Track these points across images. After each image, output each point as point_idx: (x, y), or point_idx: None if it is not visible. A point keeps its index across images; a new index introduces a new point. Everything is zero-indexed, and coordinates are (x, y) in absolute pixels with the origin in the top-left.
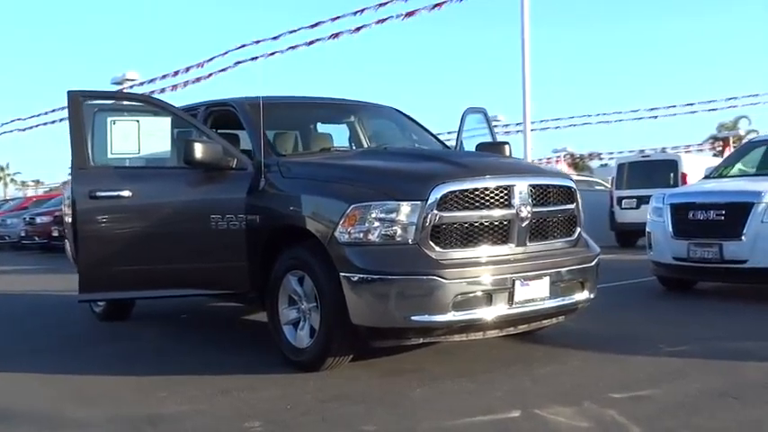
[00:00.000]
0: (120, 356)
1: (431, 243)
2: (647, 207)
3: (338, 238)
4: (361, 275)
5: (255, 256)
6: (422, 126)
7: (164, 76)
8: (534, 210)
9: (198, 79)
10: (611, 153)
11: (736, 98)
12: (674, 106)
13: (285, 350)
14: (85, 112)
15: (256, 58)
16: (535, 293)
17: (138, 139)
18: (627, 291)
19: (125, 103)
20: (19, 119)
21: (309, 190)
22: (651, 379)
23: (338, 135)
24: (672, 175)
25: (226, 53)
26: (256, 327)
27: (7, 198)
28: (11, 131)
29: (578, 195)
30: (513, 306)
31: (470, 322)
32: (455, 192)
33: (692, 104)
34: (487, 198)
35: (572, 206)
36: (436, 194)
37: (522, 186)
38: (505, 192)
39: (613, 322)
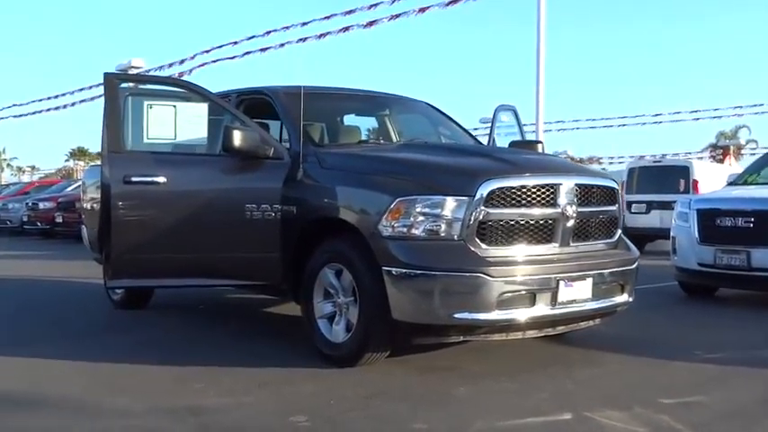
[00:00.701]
0: (148, 345)
1: (476, 240)
2: (657, 212)
3: (381, 231)
4: (405, 270)
5: (289, 248)
6: (455, 122)
7: (170, 65)
8: (579, 209)
9: (203, 64)
10: (612, 158)
11: (741, 107)
12: (679, 112)
13: (319, 344)
14: (122, 92)
15: (265, 49)
16: (578, 294)
17: (175, 124)
18: (650, 295)
19: (162, 87)
20: (15, 104)
21: (351, 182)
22: (696, 385)
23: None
24: (683, 181)
25: (236, 43)
26: (281, 319)
27: (6, 183)
28: (6, 117)
29: (620, 197)
30: (556, 306)
31: (513, 321)
32: (502, 188)
33: (696, 111)
34: (534, 196)
35: (614, 207)
36: (483, 190)
37: (568, 185)
38: (552, 190)
39: (643, 326)
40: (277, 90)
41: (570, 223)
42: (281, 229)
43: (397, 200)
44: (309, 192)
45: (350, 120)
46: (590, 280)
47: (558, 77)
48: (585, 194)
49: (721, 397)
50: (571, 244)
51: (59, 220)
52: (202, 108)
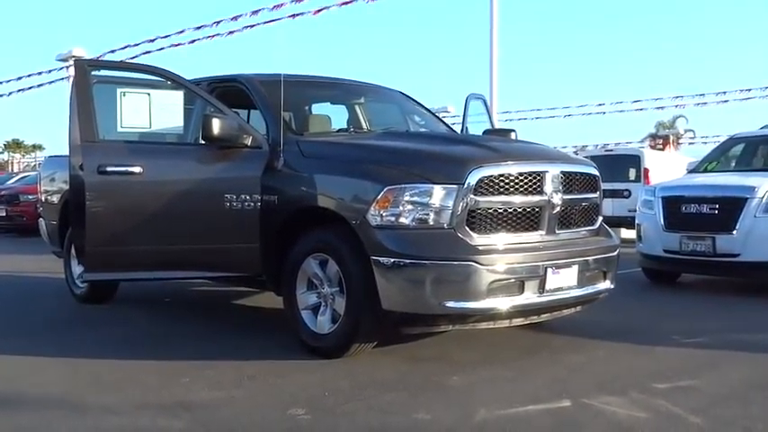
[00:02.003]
0: (122, 340)
1: (466, 228)
2: (608, 200)
3: (369, 220)
4: (395, 260)
5: (270, 239)
6: (430, 111)
7: (112, 51)
8: (564, 197)
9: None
10: (555, 148)
11: (682, 97)
12: (622, 102)
13: (304, 336)
14: (92, 82)
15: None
16: (564, 282)
17: (150, 112)
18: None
19: (133, 74)
20: None
21: (336, 171)
22: (685, 370)
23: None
24: (634, 170)
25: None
26: (254, 311)
27: None
28: None
29: (601, 184)
30: (544, 294)
31: (503, 309)
32: (491, 176)
33: (639, 101)
34: (521, 184)
35: (596, 195)
36: (473, 178)
37: (554, 173)
38: (538, 178)
39: (617, 313)
40: (251, 78)
41: (556, 211)
42: (261, 219)
43: (386, 188)
44: (291, 181)
45: (321, 108)
46: (576, 267)
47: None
48: (570, 182)
49: (712, 381)
50: (556, 231)
51: (2, 213)
52: (177, 96)
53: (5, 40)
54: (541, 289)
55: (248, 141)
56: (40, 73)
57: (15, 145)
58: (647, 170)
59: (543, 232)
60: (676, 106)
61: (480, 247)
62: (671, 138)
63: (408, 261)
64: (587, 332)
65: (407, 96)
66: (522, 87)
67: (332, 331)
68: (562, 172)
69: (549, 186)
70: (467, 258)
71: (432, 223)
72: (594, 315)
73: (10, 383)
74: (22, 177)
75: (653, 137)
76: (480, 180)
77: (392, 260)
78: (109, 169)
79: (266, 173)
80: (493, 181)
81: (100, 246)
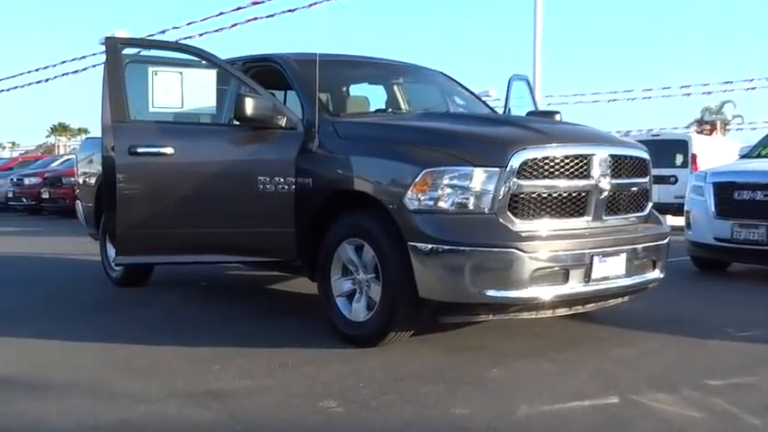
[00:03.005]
0: (154, 324)
1: (508, 213)
2: (654, 186)
3: (407, 204)
4: (433, 246)
5: (304, 223)
6: (472, 92)
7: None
8: (612, 181)
9: (188, 37)
10: None
11: (731, 82)
12: (669, 87)
13: (338, 323)
14: (124, 61)
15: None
16: (611, 271)
17: (182, 92)
18: None
19: (165, 53)
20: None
21: (372, 152)
22: (740, 365)
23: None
24: (681, 155)
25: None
26: (289, 297)
27: None
28: None
29: (651, 168)
30: (590, 283)
31: (547, 299)
32: (535, 159)
33: (687, 86)
34: (567, 167)
35: (646, 179)
36: (516, 161)
37: (602, 156)
38: (585, 161)
39: (664, 303)
40: (286, 57)
41: (603, 196)
42: (296, 202)
43: (425, 171)
44: (326, 163)
45: (358, 89)
46: (624, 255)
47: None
48: (618, 165)
49: None
50: (604, 218)
51: (46, 195)
52: (210, 75)
53: (51, 24)
54: (587, 278)
55: (283, 122)
56: (84, 57)
57: (62, 128)
58: (694, 156)
59: (590, 218)
60: (725, 91)
61: (523, 234)
62: (718, 123)
63: (447, 247)
64: (634, 323)
65: (448, 77)
66: (565, 73)
67: (367, 319)
68: (611, 155)
69: (596, 170)
70: (508, 245)
71: (472, 208)
72: (641, 305)
73: (41, 367)
74: (65, 160)
75: (699, 122)
76: (523, 163)
77: (430, 246)
78: (140, 150)
79: (301, 155)
80: (537, 164)
81: (131, 228)
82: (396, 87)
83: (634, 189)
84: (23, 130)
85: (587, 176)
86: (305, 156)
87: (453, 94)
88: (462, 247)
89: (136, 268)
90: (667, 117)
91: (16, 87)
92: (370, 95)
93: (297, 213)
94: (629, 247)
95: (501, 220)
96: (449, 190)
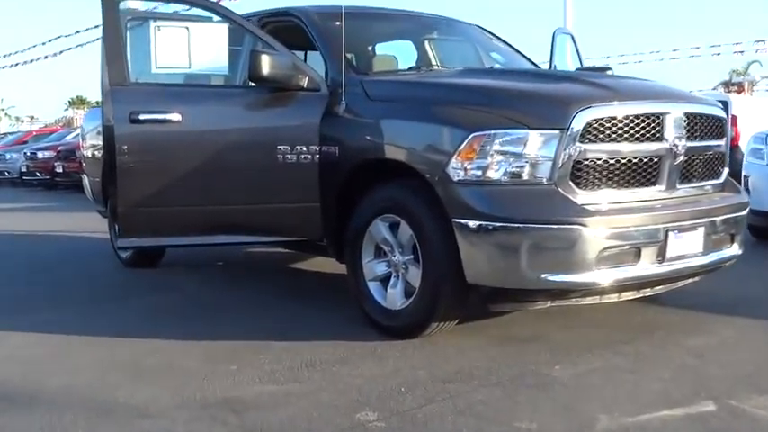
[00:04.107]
0: (166, 313)
1: (570, 184)
2: None
3: (451, 175)
4: (483, 223)
5: (331, 197)
6: (513, 47)
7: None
8: (688, 144)
9: None
10: None
11: (764, 41)
12: (698, 47)
13: (371, 312)
14: (123, 16)
15: None
16: (688, 248)
17: (189, 50)
18: None
19: (170, 6)
20: (18, 51)
21: (409, 115)
22: None
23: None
24: None
25: None
26: (316, 278)
27: (4, 133)
28: (3, 67)
29: (728, 128)
30: (664, 263)
31: (615, 283)
32: (601, 119)
33: (717, 45)
34: (638, 128)
35: (722, 142)
36: (579, 122)
37: (676, 114)
38: (658, 121)
39: (727, 280)
40: (307, 10)
41: (678, 161)
42: (321, 174)
43: (471, 136)
44: (355, 129)
45: (384, 48)
46: (701, 230)
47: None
48: (694, 126)
49: None
50: (678, 186)
51: (60, 170)
52: (221, 30)
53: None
54: (661, 257)
55: (304, 83)
56: (96, 27)
57: (80, 102)
58: (735, 117)
59: (662, 188)
60: (756, 51)
61: (588, 207)
62: (746, 84)
63: (498, 224)
64: (701, 305)
65: (486, 31)
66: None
67: (405, 307)
68: (686, 113)
69: (670, 131)
70: (572, 221)
71: (527, 178)
72: (706, 283)
73: (34, 369)
74: (78, 133)
75: (726, 84)
76: (588, 124)
77: (478, 223)
78: (142, 117)
79: (325, 120)
80: (603, 125)
81: (134, 207)
82: (427, 43)
83: (710, 153)
84: (44, 103)
85: (660, 139)
86: (330, 121)
87: (492, 50)
88: (517, 224)
89: (145, 249)
90: (694, 79)
91: (32, 61)
92: (398, 53)
93: (322, 187)
94: (708, 219)
95: (562, 191)
96: (500, 157)
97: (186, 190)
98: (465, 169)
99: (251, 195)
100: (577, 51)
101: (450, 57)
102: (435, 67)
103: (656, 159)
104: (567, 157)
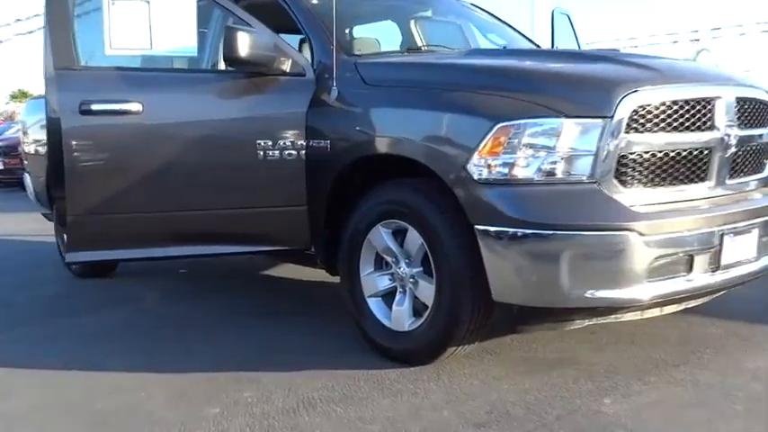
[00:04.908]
0: (128, 331)
1: (615, 182)
2: None
3: (472, 173)
4: (512, 229)
5: (321, 199)
6: (516, 29)
7: None
8: (739, 133)
9: None
10: None
11: (720, 28)
12: (655, 35)
13: (372, 333)
14: None
15: None
16: (742, 253)
17: (150, 27)
18: None
19: None
20: None
21: (418, 102)
22: None
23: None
24: None
25: None
26: (300, 287)
27: None
28: None
29: None
30: (718, 271)
31: (666, 297)
32: (650, 105)
33: (675, 34)
34: (688, 115)
35: (767, 131)
36: (625, 108)
37: (728, 99)
38: (709, 107)
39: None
40: None
41: (729, 153)
42: (308, 172)
43: (498, 126)
44: (349, 120)
45: (364, 30)
46: (755, 232)
47: None
48: (744, 112)
49: None
50: (726, 183)
51: (0, 166)
52: (188, 4)
53: None
54: (715, 265)
55: (287, 66)
56: (38, 15)
57: (22, 95)
58: None
59: (712, 184)
60: (714, 38)
61: (636, 209)
62: None
63: (532, 231)
64: (746, 314)
65: (481, 10)
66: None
67: (415, 329)
68: (737, 98)
69: (721, 118)
70: (620, 226)
71: (563, 176)
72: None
73: None
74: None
75: None
76: (635, 111)
77: (507, 230)
78: (95, 108)
79: (313, 109)
80: (651, 111)
81: (86, 214)
82: (413, 23)
83: (757, 143)
84: None
85: (711, 127)
86: (319, 110)
87: (490, 30)
88: (555, 231)
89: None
90: None
91: None
92: (379, 36)
93: (309, 187)
94: (761, 220)
95: (606, 190)
96: (531, 151)
97: (148, 194)
98: (489, 166)
99: (226, 199)
100: (575, 33)
101: (441, 38)
102: (439, 49)
103: (706, 151)
104: (611, 149)
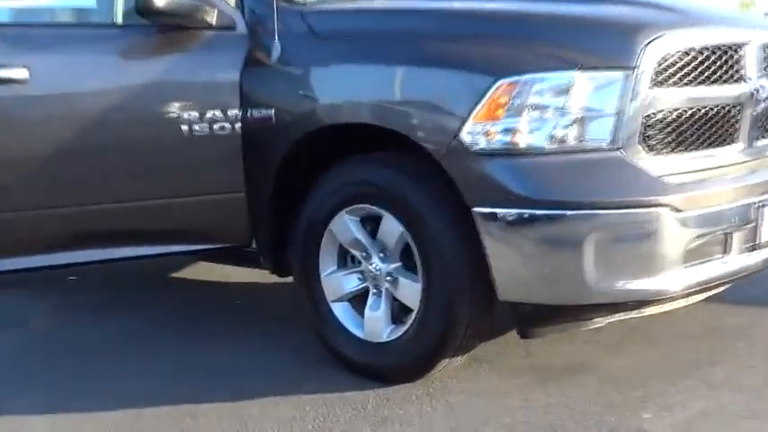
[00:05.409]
0: (12, 367)
1: (639, 147)
2: None
3: (467, 143)
4: (522, 211)
5: (263, 183)
6: None
7: None
8: None
9: None
10: None
11: None
12: None
13: (340, 347)
14: None
15: None
16: None
17: None
18: None
19: None
20: None
21: (392, 57)
22: None
23: None
24: None
25: None
26: (223, 292)
27: None
28: None
29: None
30: (755, 251)
31: (701, 284)
32: (678, 52)
33: None
34: (718, 64)
35: None
36: (652, 57)
37: (758, 43)
38: (738, 54)
39: None
40: None
41: (759, 109)
42: (246, 151)
43: (499, 83)
44: (298, 83)
45: None
46: None
47: None
48: None
49: None
50: (756, 144)
51: None
52: None
53: None
54: (752, 243)
55: (212, 18)
56: None
57: None
58: None
59: (742, 146)
60: None
61: (668, 180)
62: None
63: (545, 212)
64: (758, 299)
65: None
66: None
67: (397, 339)
68: (763, 45)
69: (752, 68)
70: (652, 201)
71: (579, 142)
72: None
73: None
74: None
75: None
76: (663, 59)
77: (516, 212)
78: None
79: (249, 71)
80: (680, 60)
81: None
82: None
83: None
84: None
85: (742, 78)
86: (257, 72)
87: None
88: (575, 211)
89: None
90: None
91: None
92: None
93: (248, 169)
94: None
95: (631, 158)
96: (537, 113)
97: (36, 186)
98: (488, 134)
99: (140, 188)
100: None
101: None
102: None
103: (737, 107)
104: (635, 108)
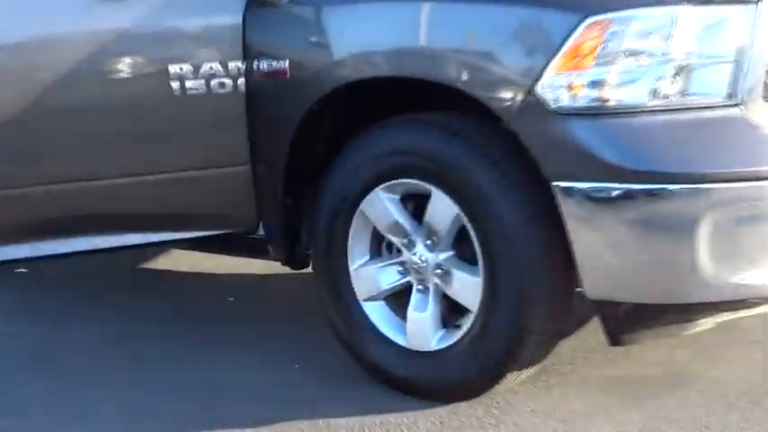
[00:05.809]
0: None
1: (764, 103)
2: None
3: (545, 99)
4: (618, 186)
5: (274, 154)
6: None
7: None
8: None
9: None
10: None
11: None
12: None
13: (375, 357)
14: None
15: None
16: None
17: None
18: None
19: None
20: None
21: None
22: None
23: None
24: None
25: None
26: (252, 286)
27: None
28: None
29: None
30: None
31: None
32: None
33: None
34: None
35: None
36: None
37: None
38: None
39: None
40: None
41: None
42: (251, 113)
43: (586, 22)
44: (321, 25)
45: None
46: None
47: None
48: None
49: None
50: None
51: None
52: None
53: None
54: None
55: None
56: None
57: None
58: None
59: None
60: None
61: None
62: None
63: (646, 187)
64: None
65: None
66: None
67: (449, 347)
68: None
69: None
70: None
71: (685, 97)
72: None
73: None
74: None
75: None
76: None
77: (610, 187)
78: None
79: (254, 14)
80: None
81: None
82: None
83: None
84: None
85: None
86: (264, 16)
87: None
88: (686, 185)
89: None
90: None
91: None
92: None
93: (254, 136)
94: None
95: (755, 117)
96: (635, 61)
97: (10, 161)
98: (572, 87)
99: (121, 161)
100: None
101: None
102: None
103: None
104: (759, 52)
